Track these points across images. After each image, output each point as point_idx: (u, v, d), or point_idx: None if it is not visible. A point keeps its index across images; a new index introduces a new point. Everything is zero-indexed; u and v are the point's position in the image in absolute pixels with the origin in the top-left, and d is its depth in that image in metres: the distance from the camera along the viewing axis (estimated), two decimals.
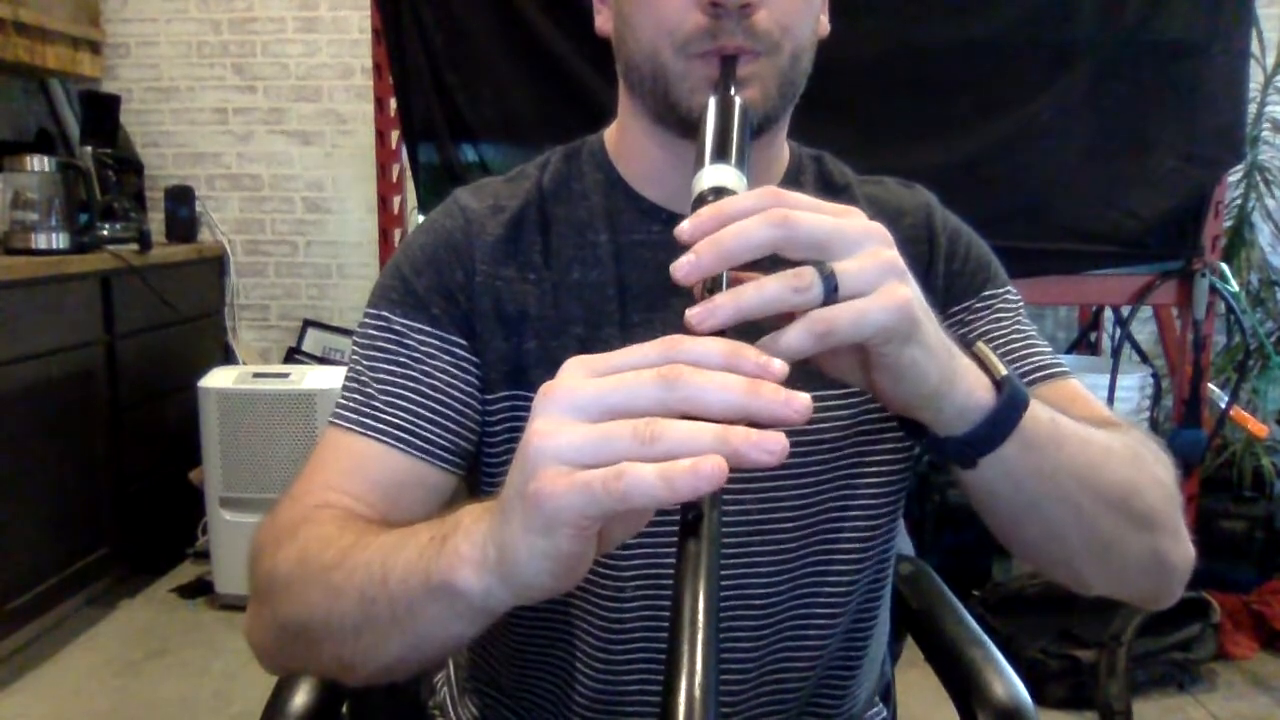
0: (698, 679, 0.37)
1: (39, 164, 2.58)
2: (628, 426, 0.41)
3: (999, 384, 0.56)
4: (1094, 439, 0.62)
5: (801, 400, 0.42)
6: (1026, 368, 0.75)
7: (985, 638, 0.86)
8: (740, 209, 0.48)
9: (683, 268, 0.47)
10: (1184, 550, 0.67)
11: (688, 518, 0.42)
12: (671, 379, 0.42)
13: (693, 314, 0.46)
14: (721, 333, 0.46)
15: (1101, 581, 0.67)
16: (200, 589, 2.64)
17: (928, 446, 0.58)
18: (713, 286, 0.48)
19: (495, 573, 0.47)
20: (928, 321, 0.51)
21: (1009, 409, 0.56)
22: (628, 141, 0.78)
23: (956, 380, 0.54)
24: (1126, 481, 0.63)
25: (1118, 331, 2.61)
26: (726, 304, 0.46)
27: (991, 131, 2.12)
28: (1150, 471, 0.65)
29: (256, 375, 2.51)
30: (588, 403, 0.43)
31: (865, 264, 0.49)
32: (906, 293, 0.49)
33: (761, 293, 0.46)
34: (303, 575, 0.60)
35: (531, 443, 0.43)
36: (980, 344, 0.58)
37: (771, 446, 0.40)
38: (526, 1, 2.09)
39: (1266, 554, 2.49)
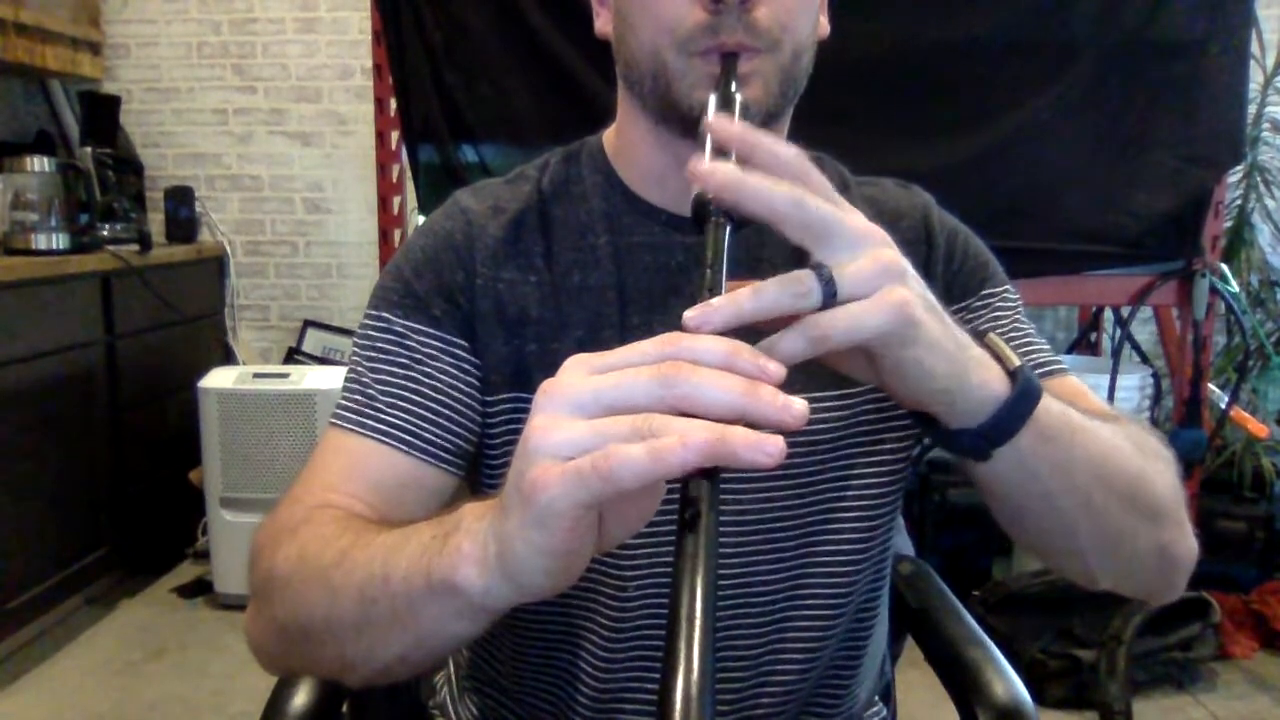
0: (694, 677, 0.37)
1: (39, 164, 2.58)
2: (625, 422, 0.41)
3: (1012, 375, 0.56)
4: (1103, 432, 0.62)
5: (799, 406, 0.42)
6: None
7: (985, 638, 0.86)
8: (771, 150, 0.50)
9: (700, 175, 0.49)
10: (1189, 543, 0.67)
11: (685, 516, 0.42)
12: (670, 376, 0.42)
13: (690, 316, 0.46)
14: (720, 334, 0.46)
15: (1109, 574, 0.67)
16: (200, 589, 2.64)
17: (942, 440, 0.58)
18: (712, 287, 0.48)
19: (496, 570, 0.47)
20: (931, 320, 0.51)
21: (1023, 399, 0.55)
22: (627, 143, 0.78)
23: (969, 374, 0.54)
24: (1135, 474, 0.63)
25: (1118, 331, 2.61)
26: (724, 307, 0.46)
27: (991, 131, 2.12)
28: (1156, 465, 0.66)
29: (256, 375, 2.51)
30: (587, 400, 0.43)
31: (864, 266, 0.49)
32: (905, 294, 0.49)
33: (759, 297, 0.46)
34: (303, 575, 0.60)
35: (530, 438, 0.43)
36: (992, 335, 0.58)
37: (769, 449, 0.40)
38: (527, 2, 2.09)
39: (1266, 554, 2.49)
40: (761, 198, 0.48)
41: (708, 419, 0.41)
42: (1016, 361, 0.56)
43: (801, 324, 0.47)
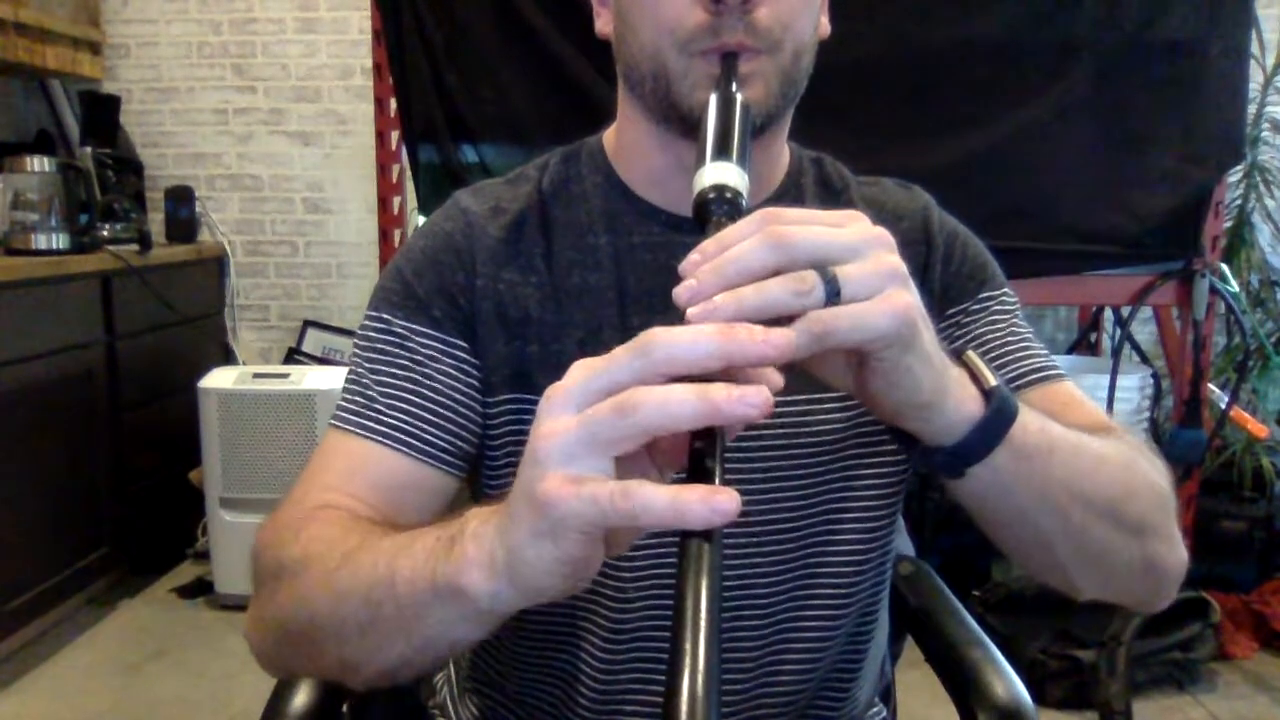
0: (700, 679, 0.37)
1: (39, 164, 2.58)
2: (607, 405, 0.41)
3: (988, 394, 0.56)
4: (1085, 447, 0.62)
5: (780, 335, 0.42)
6: (1022, 370, 0.75)
7: (985, 638, 0.86)
8: (738, 234, 0.48)
9: (684, 294, 0.47)
10: (1177, 555, 0.67)
11: None
12: (647, 343, 0.42)
13: (693, 311, 0.46)
14: None
15: (1092, 586, 0.67)
16: (200, 589, 2.64)
17: (916, 456, 0.58)
18: None
19: (503, 575, 0.47)
20: (926, 330, 0.51)
21: (997, 420, 0.56)
22: (627, 143, 0.78)
23: (947, 392, 0.54)
24: (1118, 489, 0.63)
25: (1118, 332, 2.61)
26: (726, 303, 0.46)
27: (991, 131, 2.12)
28: (1143, 478, 0.65)
29: (256, 375, 2.51)
30: (580, 393, 0.43)
31: (867, 269, 0.49)
32: (908, 299, 0.49)
33: (762, 293, 0.46)
34: (306, 576, 0.60)
35: (536, 444, 0.43)
36: (969, 352, 0.58)
37: (753, 399, 0.40)
38: (526, 2, 2.09)
39: (1266, 554, 2.49)
40: (746, 268, 0.47)
41: (692, 378, 0.41)
42: (993, 381, 0.56)
43: (804, 319, 0.47)
